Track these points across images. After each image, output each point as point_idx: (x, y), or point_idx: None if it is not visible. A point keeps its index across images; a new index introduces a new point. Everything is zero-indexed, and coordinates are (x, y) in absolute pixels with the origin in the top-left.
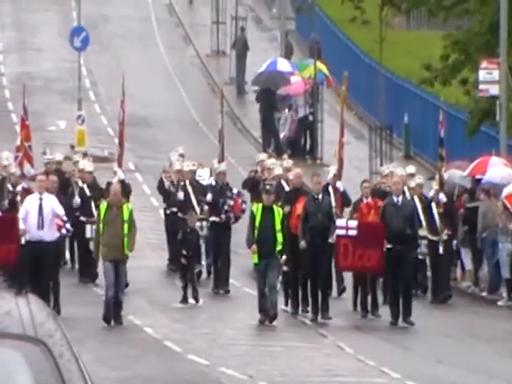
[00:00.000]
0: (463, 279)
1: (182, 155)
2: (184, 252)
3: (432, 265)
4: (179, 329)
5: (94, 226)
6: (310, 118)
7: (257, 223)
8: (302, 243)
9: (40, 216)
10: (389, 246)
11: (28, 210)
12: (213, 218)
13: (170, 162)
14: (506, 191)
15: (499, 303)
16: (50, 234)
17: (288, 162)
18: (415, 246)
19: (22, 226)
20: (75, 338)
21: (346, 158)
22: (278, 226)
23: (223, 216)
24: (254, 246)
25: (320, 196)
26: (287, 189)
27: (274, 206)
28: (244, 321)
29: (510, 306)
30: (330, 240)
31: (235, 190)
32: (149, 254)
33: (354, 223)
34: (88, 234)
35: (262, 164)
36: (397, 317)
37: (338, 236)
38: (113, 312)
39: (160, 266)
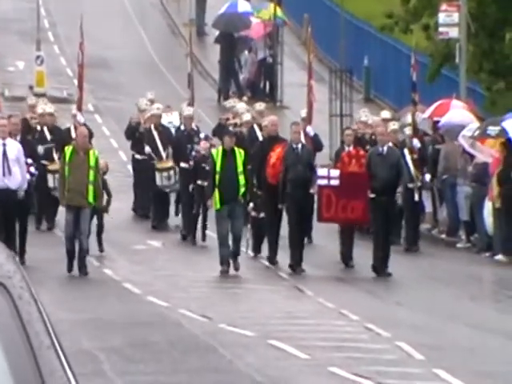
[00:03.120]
0: (423, 221)
1: (151, 100)
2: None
3: (408, 213)
4: (139, 271)
5: (56, 175)
6: (270, 60)
7: (218, 167)
8: (280, 206)
9: (5, 162)
10: (373, 195)
11: None
12: (182, 165)
13: (137, 107)
14: (464, 132)
15: (458, 245)
16: (15, 181)
17: (261, 105)
18: (400, 194)
19: None
20: (35, 279)
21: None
22: (240, 168)
23: (191, 162)
24: (211, 201)
25: (299, 145)
26: (260, 134)
27: (236, 148)
28: (205, 263)
29: (469, 248)
30: (312, 190)
31: (202, 135)
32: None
33: (336, 173)
34: (50, 184)
35: (233, 110)
36: (379, 271)
37: (320, 186)
38: (78, 261)
39: (121, 208)
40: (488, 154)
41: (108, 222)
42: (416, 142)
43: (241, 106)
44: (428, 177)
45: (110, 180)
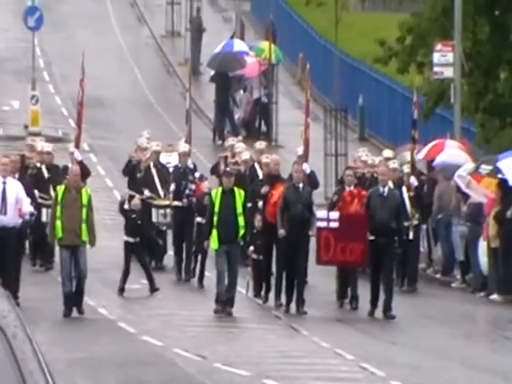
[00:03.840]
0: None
1: (148, 139)
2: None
3: (402, 251)
4: (134, 310)
5: (50, 210)
6: (265, 99)
7: (216, 208)
8: (282, 231)
9: (3, 201)
10: (371, 237)
11: None
12: (175, 203)
13: (137, 146)
14: (460, 172)
15: (453, 285)
16: (12, 220)
17: (261, 144)
18: (399, 240)
19: None
20: (29, 318)
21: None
22: (240, 209)
23: (185, 200)
24: (206, 243)
25: (301, 185)
26: (260, 173)
27: (235, 188)
28: (199, 302)
29: (464, 287)
30: (310, 233)
31: (197, 174)
32: (103, 235)
33: (335, 215)
34: (44, 218)
35: (232, 149)
36: (375, 307)
37: (319, 228)
38: (75, 301)
39: (114, 246)
40: (482, 193)
41: (103, 261)
42: (413, 180)
43: (239, 144)
44: (414, 180)
45: (105, 218)
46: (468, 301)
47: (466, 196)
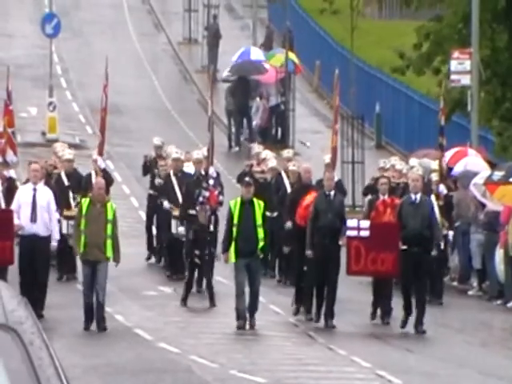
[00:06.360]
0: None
1: (160, 147)
2: (196, 252)
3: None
4: (150, 317)
5: (71, 222)
6: (282, 106)
7: (235, 219)
8: (309, 253)
9: (33, 209)
10: (404, 247)
11: (20, 202)
12: (188, 211)
13: (166, 155)
14: (476, 180)
15: (469, 293)
16: (43, 228)
17: (289, 152)
18: (434, 248)
19: (16, 220)
20: (46, 325)
21: (319, 147)
22: (259, 221)
23: (198, 208)
24: (226, 255)
25: (332, 193)
26: (287, 181)
27: (255, 199)
28: (216, 309)
29: (480, 295)
30: (341, 242)
31: (211, 181)
32: (120, 242)
33: (366, 223)
34: (64, 230)
35: (257, 156)
36: (405, 322)
37: (349, 237)
38: (96, 316)
39: (131, 253)
40: (498, 203)
41: (120, 269)
42: (442, 188)
43: (266, 152)
44: (451, 233)
45: (122, 225)
46: (484, 309)
47: (482, 204)
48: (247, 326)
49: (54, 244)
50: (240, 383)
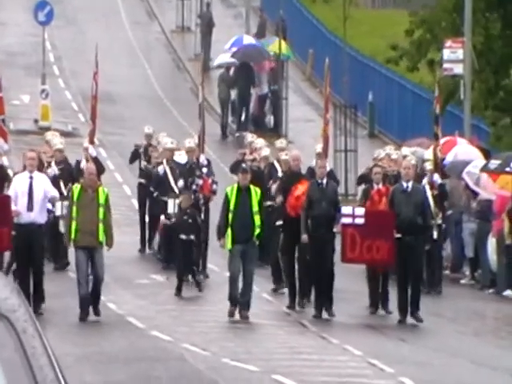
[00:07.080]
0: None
1: (150, 135)
2: (183, 236)
3: (426, 252)
4: (143, 305)
5: (65, 202)
6: (269, 95)
7: (232, 206)
8: (304, 237)
9: (30, 197)
10: (398, 235)
11: (17, 190)
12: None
13: (160, 145)
14: (469, 168)
15: (462, 281)
16: (40, 217)
17: (282, 142)
18: (427, 237)
19: (13, 207)
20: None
21: (311, 136)
22: (256, 208)
23: (192, 196)
24: (223, 241)
25: (324, 181)
26: (279, 170)
27: (251, 186)
28: (208, 297)
29: (473, 284)
30: (335, 229)
31: (205, 170)
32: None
33: (361, 211)
34: (58, 212)
35: (251, 146)
36: (405, 313)
37: (344, 225)
38: (92, 304)
39: (124, 241)
40: (492, 191)
41: (112, 257)
42: (437, 178)
43: (259, 140)
44: (438, 178)
45: (115, 213)
46: (477, 298)
47: (474, 193)
48: (237, 316)
49: (49, 209)
50: (233, 372)
